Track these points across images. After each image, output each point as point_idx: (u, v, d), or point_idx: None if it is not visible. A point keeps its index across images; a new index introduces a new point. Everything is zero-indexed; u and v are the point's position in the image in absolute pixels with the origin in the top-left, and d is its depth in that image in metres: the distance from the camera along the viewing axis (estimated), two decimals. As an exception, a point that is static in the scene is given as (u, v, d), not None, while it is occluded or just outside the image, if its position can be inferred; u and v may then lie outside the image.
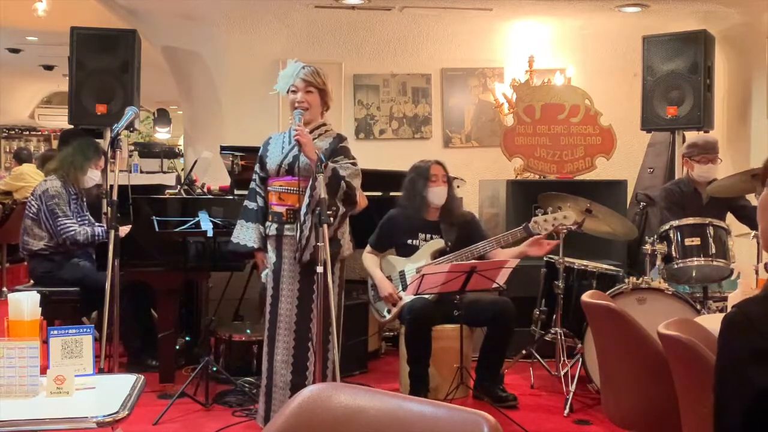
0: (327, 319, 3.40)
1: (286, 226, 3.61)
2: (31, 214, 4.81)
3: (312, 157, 3.45)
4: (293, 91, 3.61)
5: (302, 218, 3.49)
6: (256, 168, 3.78)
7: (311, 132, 3.60)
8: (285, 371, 3.59)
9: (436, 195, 4.47)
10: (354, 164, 3.63)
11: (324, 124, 3.71)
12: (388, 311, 4.43)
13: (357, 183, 3.60)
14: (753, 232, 4.32)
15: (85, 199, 4.98)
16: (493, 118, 6.49)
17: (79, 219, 4.85)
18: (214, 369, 4.46)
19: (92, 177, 4.89)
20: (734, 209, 4.82)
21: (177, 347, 4.80)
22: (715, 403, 1.38)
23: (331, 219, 3.46)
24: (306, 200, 3.49)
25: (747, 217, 4.75)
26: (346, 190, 3.53)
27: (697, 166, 4.73)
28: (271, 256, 3.67)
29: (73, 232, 4.71)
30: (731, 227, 4.54)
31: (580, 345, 4.33)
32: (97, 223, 4.94)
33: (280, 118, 6.16)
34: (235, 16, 6.11)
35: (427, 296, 4.17)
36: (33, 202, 4.82)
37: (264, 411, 3.68)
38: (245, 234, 3.74)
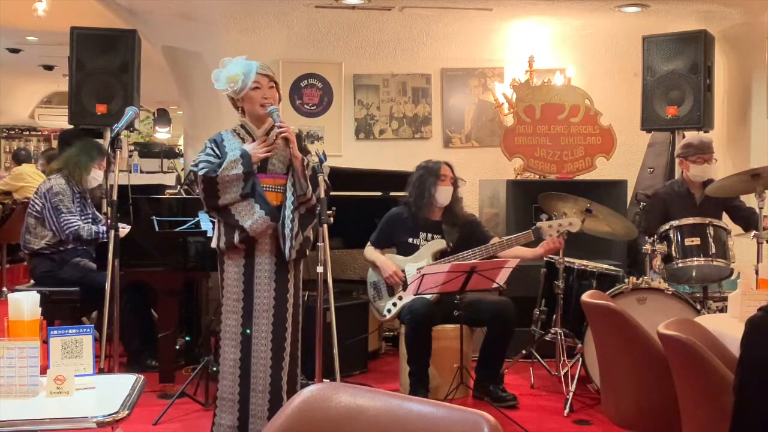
0: (325, 320, 3.40)
1: None
2: (34, 212, 4.82)
3: (298, 155, 3.37)
4: (256, 88, 3.46)
5: (290, 215, 3.36)
6: (209, 152, 3.45)
7: (270, 130, 3.46)
8: (264, 374, 3.45)
9: (444, 194, 4.50)
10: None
11: None
12: (389, 310, 4.43)
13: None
14: (753, 232, 4.31)
15: (89, 198, 4.99)
16: (493, 118, 6.48)
17: (83, 217, 4.86)
18: (214, 369, 4.44)
19: (95, 177, 4.90)
20: (729, 210, 4.81)
21: (177, 347, 4.80)
22: (735, 403, 1.37)
23: (331, 219, 3.43)
24: (290, 197, 3.38)
25: (742, 218, 4.74)
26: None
27: (693, 167, 4.70)
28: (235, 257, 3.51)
29: (76, 227, 4.72)
30: (730, 227, 4.53)
31: (580, 345, 4.33)
32: (101, 221, 4.94)
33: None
34: (235, 16, 6.10)
35: (427, 296, 4.18)
36: (37, 200, 4.83)
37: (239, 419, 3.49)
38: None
